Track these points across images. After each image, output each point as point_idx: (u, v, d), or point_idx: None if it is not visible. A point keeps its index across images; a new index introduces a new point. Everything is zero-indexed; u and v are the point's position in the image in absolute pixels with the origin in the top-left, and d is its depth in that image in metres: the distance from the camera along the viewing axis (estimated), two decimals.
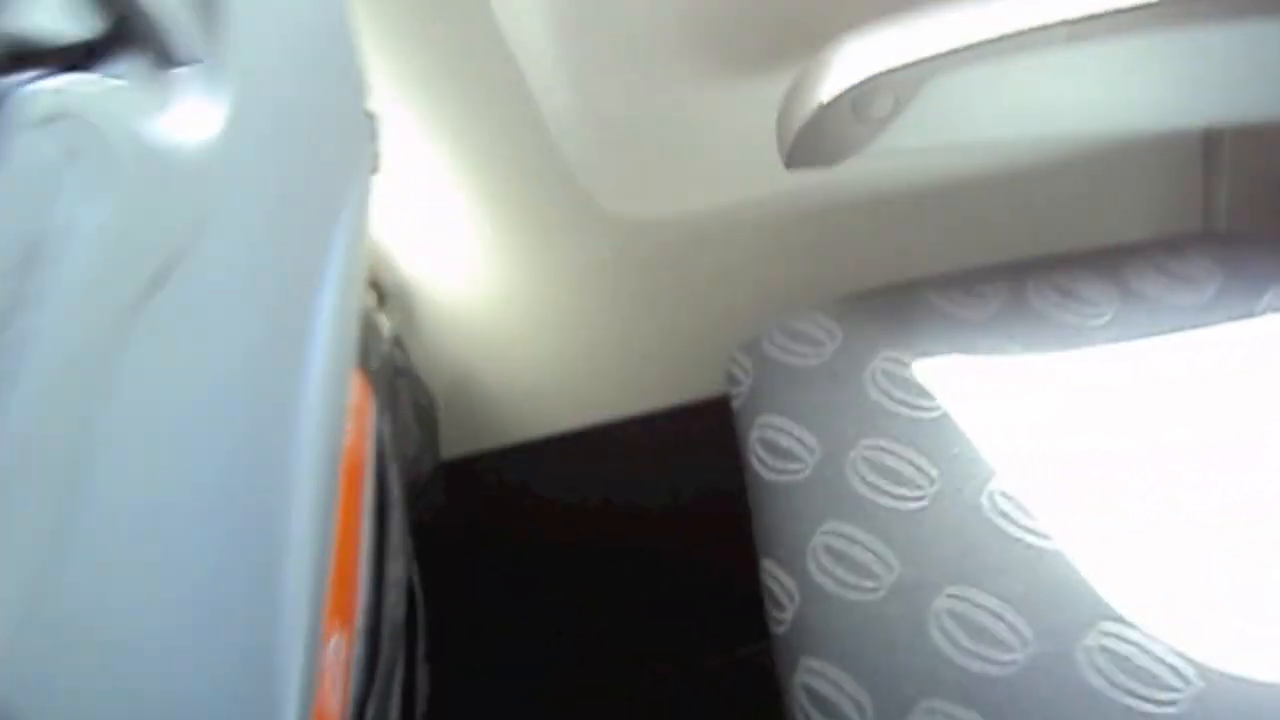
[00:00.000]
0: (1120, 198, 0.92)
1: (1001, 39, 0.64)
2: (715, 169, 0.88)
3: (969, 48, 0.64)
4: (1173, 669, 0.56)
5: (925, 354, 0.74)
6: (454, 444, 0.99)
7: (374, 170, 0.63)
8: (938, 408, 0.70)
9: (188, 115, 0.38)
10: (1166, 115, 0.73)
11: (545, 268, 0.92)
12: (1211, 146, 0.90)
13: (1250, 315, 0.73)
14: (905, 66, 0.65)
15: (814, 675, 0.60)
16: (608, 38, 0.81)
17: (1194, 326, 0.73)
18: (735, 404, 0.77)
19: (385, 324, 0.86)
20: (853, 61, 0.66)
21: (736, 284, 0.93)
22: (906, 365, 0.73)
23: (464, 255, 0.91)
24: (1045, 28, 0.64)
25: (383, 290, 0.87)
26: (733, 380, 0.78)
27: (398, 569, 0.69)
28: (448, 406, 0.97)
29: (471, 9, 0.77)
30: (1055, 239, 0.89)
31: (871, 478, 0.67)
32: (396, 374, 0.82)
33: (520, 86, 0.81)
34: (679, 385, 0.99)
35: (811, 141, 0.69)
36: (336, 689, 0.52)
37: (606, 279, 0.94)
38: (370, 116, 0.62)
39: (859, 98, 0.67)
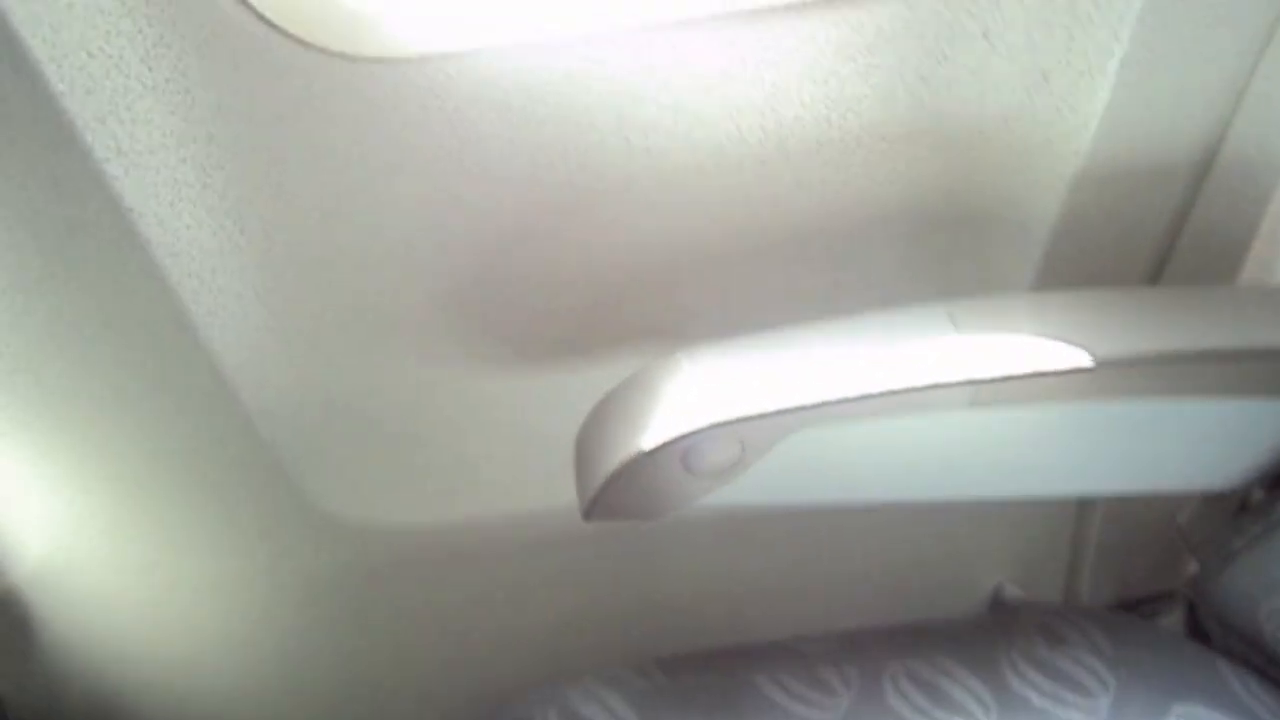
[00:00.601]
0: (979, 553, 0.77)
1: (893, 394, 0.47)
2: (477, 476, 0.65)
3: (852, 400, 0.46)
4: None
5: None
6: None
7: None
8: None
9: None
10: (1050, 484, 0.59)
11: (233, 573, 0.66)
12: (1085, 512, 0.77)
13: None
14: (766, 415, 0.47)
15: None
16: (323, 308, 0.58)
17: None
18: None
19: None
20: (690, 398, 0.47)
21: (499, 622, 0.69)
22: None
23: (113, 547, 0.64)
24: (948, 386, 0.47)
25: None
26: None
27: None
28: None
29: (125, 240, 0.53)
30: (908, 583, 0.73)
31: None
32: None
33: (203, 355, 0.56)
34: None
35: (622, 493, 0.49)
36: None
37: (320, 594, 0.68)
38: None
39: (694, 447, 0.48)
